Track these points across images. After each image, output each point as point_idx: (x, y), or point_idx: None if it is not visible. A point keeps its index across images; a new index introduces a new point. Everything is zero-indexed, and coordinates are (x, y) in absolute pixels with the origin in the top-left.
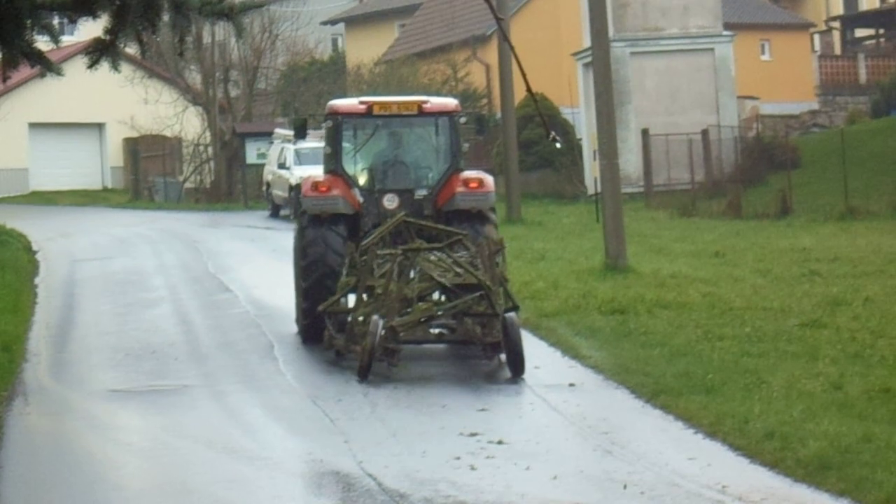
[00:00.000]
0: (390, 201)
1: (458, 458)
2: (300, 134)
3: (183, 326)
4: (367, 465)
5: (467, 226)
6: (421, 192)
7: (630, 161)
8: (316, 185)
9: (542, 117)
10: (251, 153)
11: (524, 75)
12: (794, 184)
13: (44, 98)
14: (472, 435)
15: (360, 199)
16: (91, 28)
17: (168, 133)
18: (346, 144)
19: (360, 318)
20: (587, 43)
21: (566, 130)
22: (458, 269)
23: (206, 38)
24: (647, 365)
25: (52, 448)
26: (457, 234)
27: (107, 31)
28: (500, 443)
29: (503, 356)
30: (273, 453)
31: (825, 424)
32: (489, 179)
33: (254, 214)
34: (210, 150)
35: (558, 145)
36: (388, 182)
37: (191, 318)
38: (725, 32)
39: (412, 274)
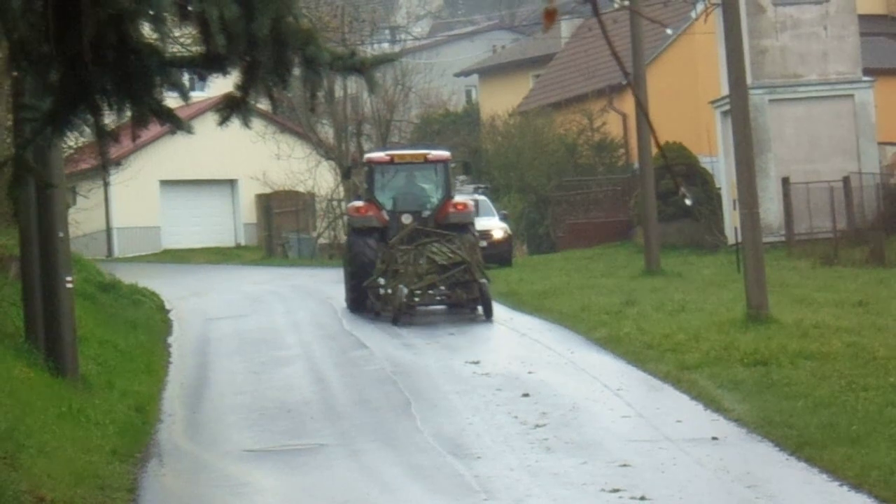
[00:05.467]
0: (406, 218)
1: None
2: (346, 176)
3: (318, 384)
4: None
5: (457, 232)
6: (426, 213)
7: (770, 210)
8: (357, 209)
9: (671, 173)
10: None
11: (653, 131)
12: None
13: (175, 155)
14: (615, 491)
15: (387, 217)
16: (222, 84)
17: (301, 188)
18: (376, 181)
19: (390, 290)
20: (725, 90)
21: (705, 180)
22: (450, 254)
23: (338, 92)
24: (791, 417)
25: None
26: (448, 234)
27: (237, 88)
28: (642, 499)
29: (480, 308)
30: None
31: None
32: (471, 203)
33: None
34: (343, 205)
35: (688, 202)
36: (405, 206)
37: (326, 376)
38: (865, 78)
39: (422, 260)
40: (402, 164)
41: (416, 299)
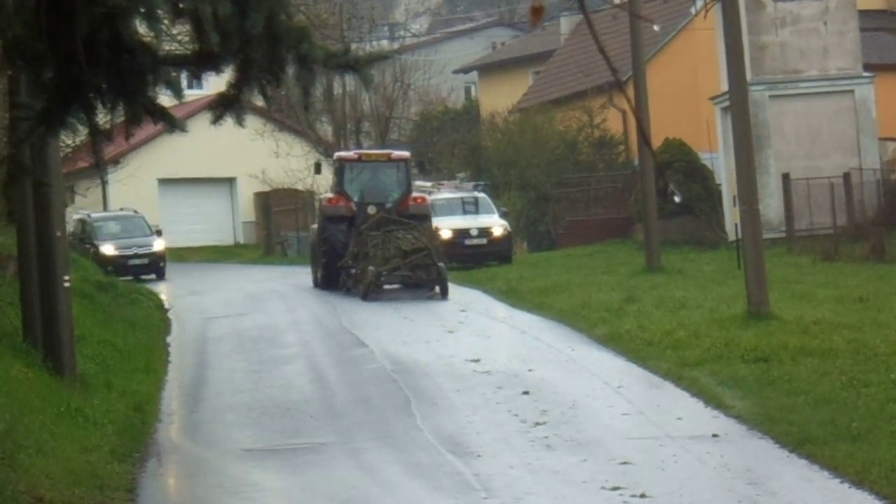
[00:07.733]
0: (372, 209)
1: None
2: (317, 171)
3: (317, 383)
4: None
5: (417, 222)
6: (389, 204)
7: (771, 206)
8: (329, 200)
9: (659, 171)
10: None
11: (642, 130)
12: None
13: (173, 153)
14: (615, 489)
15: (354, 208)
16: (221, 82)
17: (300, 186)
18: (346, 176)
19: (360, 271)
20: (725, 87)
21: (705, 176)
22: (414, 241)
23: (337, 90)
24: (792, 413)
25: None
26: (411, 223)
27: (231, 86)
28: (643, 496)
29: (438, 288)
30: None
31: None
32: (429, 197)
33: None
34: None
35: (677, 199)
36: (370, 198)
37: (325, 375)
38: (865, 73)
39: (389, 245)
40: (368, 161)
41: (383, 279)
